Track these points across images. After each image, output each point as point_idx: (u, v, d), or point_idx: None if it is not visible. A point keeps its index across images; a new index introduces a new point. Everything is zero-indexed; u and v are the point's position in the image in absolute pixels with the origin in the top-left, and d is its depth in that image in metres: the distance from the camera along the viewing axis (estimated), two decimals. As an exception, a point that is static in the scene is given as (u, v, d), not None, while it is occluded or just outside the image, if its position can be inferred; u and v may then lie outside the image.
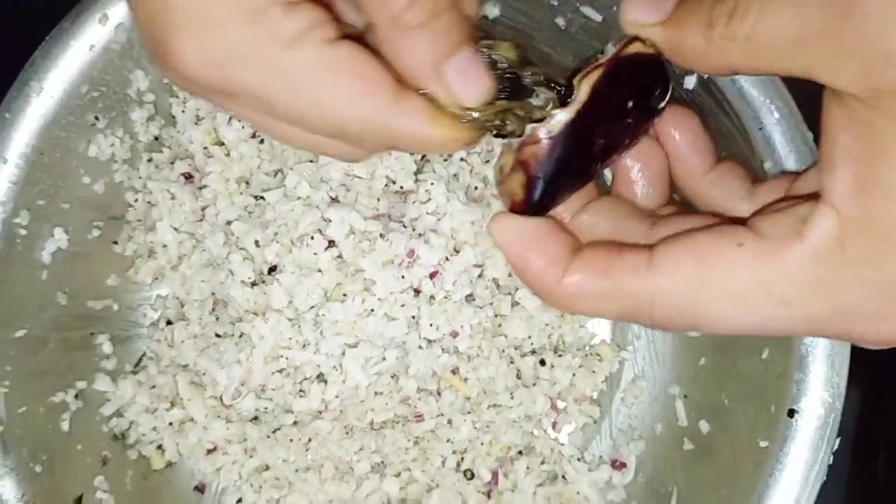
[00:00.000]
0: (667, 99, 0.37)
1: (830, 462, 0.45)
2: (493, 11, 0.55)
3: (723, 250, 0.32)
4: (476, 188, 0.53)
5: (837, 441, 0.44)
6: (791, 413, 0.45)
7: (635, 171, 0.39)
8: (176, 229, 0.55)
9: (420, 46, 0.32)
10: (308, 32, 0.31)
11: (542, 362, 0.55)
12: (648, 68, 0.35)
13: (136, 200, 0.56)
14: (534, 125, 0.34)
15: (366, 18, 0.33)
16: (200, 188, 0.55)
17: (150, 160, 0.56)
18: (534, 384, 0.55)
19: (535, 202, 0.35)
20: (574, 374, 0.55)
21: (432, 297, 0.50)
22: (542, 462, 0.56)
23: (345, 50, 0.32)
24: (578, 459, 0.56)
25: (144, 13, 0.32)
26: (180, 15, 0.31)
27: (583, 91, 0.34)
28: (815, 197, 0.32)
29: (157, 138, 0.56)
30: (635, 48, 0.35)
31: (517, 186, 0.35)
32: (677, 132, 0.38)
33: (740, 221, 0.34)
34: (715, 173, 0.38)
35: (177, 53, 0.31)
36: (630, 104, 0.36)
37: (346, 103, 0.32)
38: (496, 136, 0.34)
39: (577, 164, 0.35)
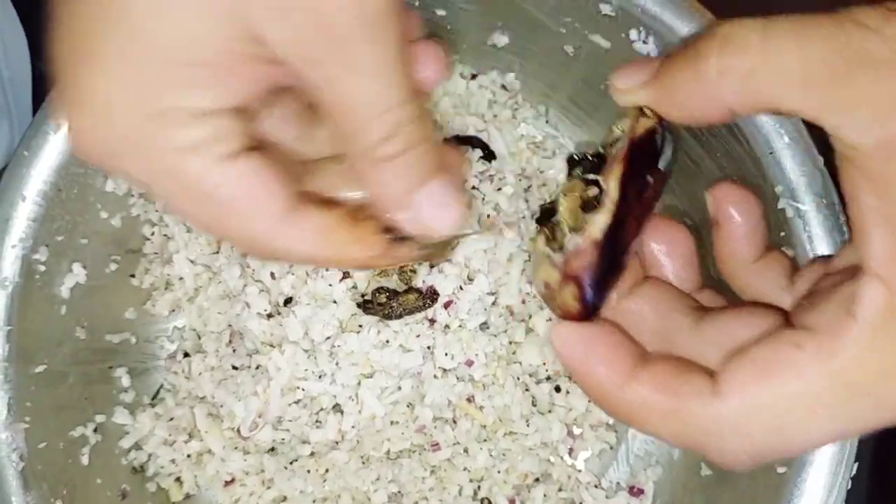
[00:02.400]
0: (674, 156, 0.36)
1: (849, 487, 0.44)
2: (502, 40, 0.56)
3: (784, 359, 0.29)
4: (488, 216, 0.53)
5: (856, 466, 0.44)
6: (808, 438, 0.44)
7: (663, 255, 0.37)
8: (192, 262, 0.56)
9: (392, 177, 0.32)
10: (205, 145, 0.31)
11: (558, 389, 0.55)
12: (655, 136, 0.35)
13: (153, 234, 0.57)
14: (573, 236, 0.33)
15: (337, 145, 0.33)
16: (216, 221, 0.55)
17: (165, 194, 0.57)
18: (549, 411, 0.55)
19: (590, 311, 0.33)
20: (589, 400, 0.55)
21: (447, 326, 0.50)
22: (560, 489, 0.56)
23: (241, 166, 0.31)
24: (596, 486, 0.56)
25: (59, 75, 0.31)
26: (86, 94, 0.30)
27: (612, 189, 0.33)
28: (855, 271, 0.30)
29: (172, 172, 0.57)
30: (643, 125, 0.34)
31: (570, 299, 0.33)
32: (740, 217, 0.35)
33: (779, 310, 0.33)
34: (761, 263, 0.36)
35: (73, 129, 0.31)
36: (648, 178, 0.35)
37: (231, 221, 0.32)
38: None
39: (619, 257, 0.34)
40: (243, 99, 0.31)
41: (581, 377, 0.33)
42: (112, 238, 0.55)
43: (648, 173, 0.34)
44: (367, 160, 0.32)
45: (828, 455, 0.44)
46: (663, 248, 0.37)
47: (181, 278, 0.56)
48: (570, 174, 0.36)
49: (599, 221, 0.32)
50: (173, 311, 0.58)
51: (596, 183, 0.34)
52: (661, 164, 0.35)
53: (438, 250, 0.37)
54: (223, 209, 0.31)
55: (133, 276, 0.57)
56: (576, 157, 0.36)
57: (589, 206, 0.33)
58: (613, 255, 0.33)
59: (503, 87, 0.59)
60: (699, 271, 0.37)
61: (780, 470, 0.45)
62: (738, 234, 0.35)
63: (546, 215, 0.36)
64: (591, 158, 0.35)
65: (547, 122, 0.60)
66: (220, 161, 0.31)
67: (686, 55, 0.30)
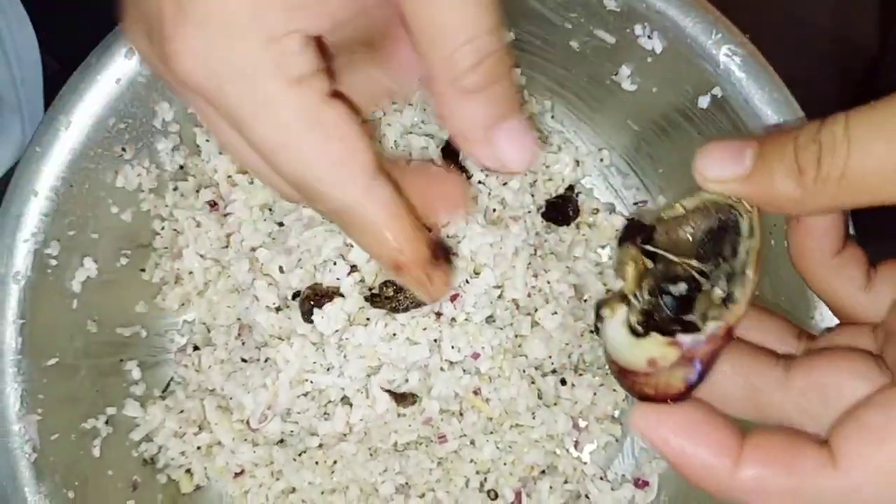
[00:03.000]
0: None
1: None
2: (508, 36, 0.56)
3: None
4: (494, 210, 0.54)
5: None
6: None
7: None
8: (202, 256, 0.56)
9: (476, 109, 0.32)
10: (313, 78, 0.31)
11: (563, 382, 0.55)
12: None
13: (163, 228, 0.57)
14: (714, 323, 0.31)
15: (424, 68, 0.33)
16: (225, 215, 0.56)
17: (175, 189, 0.57)
18: (555, 404, 0.55)
19: (689, 394, 0.32)
20: (595, 393, 0.56)
21: (453, 319, 0.51)
22: (566, 481, 0.57)
23: (339, 111, 0.32)
24: (601, 478, 0.56)
25: None
26: (198, 10, 0.30)
27: (751, 277, 0.32)
28: None
29: (182, 167, 0.57)
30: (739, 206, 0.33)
31: (677, 381, 0.31)
32: None
33: (853, 315, 0.34)
34: (840, 259, 0.35)
35: (177, 48, 0.31)
36: None
37: (321, 164, 0.32)
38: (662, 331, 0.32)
39: None
40: (338, 21, 0.32)
41: (686, 465, 0.31)
42: (122, 233, 0.56)
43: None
44: (453, 90, 0.31)
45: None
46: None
47: (191, 273, 0.57)
48: (627, 240, 0.35)
49: (739, 309, 0.31)
50: (183, 304, 0.59)
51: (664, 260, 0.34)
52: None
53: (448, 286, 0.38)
54: (318, 152, 0.32)
55: (143, 270, 0.58)
56: (635, 219, 0.36)
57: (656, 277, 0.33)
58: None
59: (509, 82, 0.59)
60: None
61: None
62: (819, 227, 0.34)
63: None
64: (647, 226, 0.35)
65: (553, 117, 0.60)
66: (327, 99, 0.31)
67: (787, 166, 0.30)
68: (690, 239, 0.34)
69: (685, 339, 0.31)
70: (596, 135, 0.59)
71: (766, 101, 0.47)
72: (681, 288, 0.34)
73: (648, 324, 0.33)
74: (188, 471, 0.56)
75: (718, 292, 0.33)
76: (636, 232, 0.35)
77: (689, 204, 0.34)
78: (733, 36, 0.48)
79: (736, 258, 0.33)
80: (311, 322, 0.49)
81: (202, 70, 0.31)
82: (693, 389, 0.32)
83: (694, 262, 0.34)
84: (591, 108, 0.58)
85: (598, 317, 0.34)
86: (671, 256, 0.34)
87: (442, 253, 0.37)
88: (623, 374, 0.33)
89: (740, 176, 0.31)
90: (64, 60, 0.53)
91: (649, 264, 0.34)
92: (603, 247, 0.59)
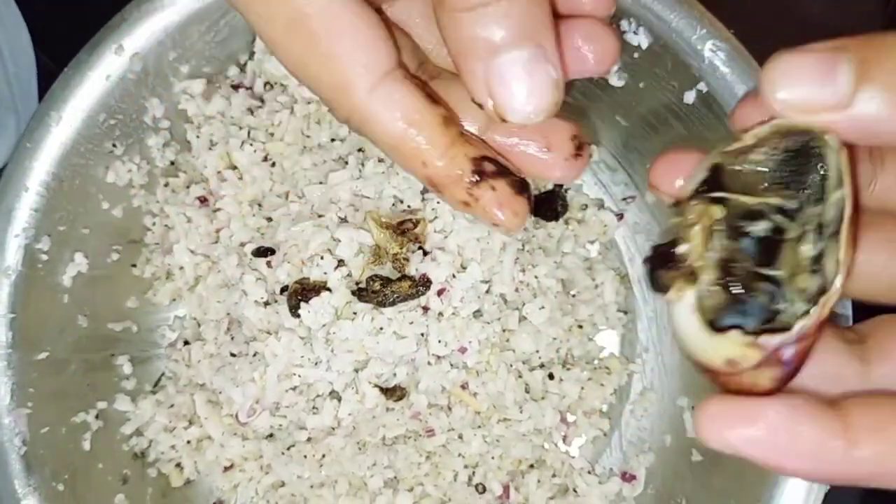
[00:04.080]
0: None
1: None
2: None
3: None
4: (482, 206, 0.54)
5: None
6: (795, 422, 0.45)
7: None
8: (192, 251, 0.57)
9: (472, 32, 0.27)
10: None
11: (551, 376, 0.56)
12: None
13: (154, 224, 0.58)
14: (803, 321, 0.27)
15: None
16: (215, 211, 0.56)
17: (166, 185, 0.58)
18: (542, 398, 0.56)
19: (782, 388, 0.28)
20: (583, 388, 0.56)
21: (440, 313, 0.51)
22: (553, 475, 0.57)
23: (364, 4, 0.29)
24: (589, 472, 0.57)
25: None
26: None
27: (844, 260, 0.27)
28: None
29: (173, 163, 0.58)
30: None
31: (765, 380, 0.28)
32: None
33: None
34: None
35: None
36: None
37: (335, 60, 0.29)
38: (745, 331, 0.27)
39: None
40: None
41: (787, 461, 0.27)
42: (113, 228, 0.56)
43: None
44: (446, 11, 0.27)
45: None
46: None
47: (181, 268, 0.57)
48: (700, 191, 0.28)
49: (831, 300, 0.27)
50: (174, 300, 0.59)
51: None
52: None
53: (518, 220, 0.32)
54: (335, 42, 0.29)
55: (134, 265, 0.58)
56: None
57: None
58: None
59: (498, 78, 0.59)
60: None
61: (767, 454, 0.46)
62: None
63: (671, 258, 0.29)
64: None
65: (542, 113, 0.60)
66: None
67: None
68: (764, 180, 0.28)
69: (770, 341, 0.27)
70: (585, 130, 0.59)
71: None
72: (762, 227, 0.28)
73: (725, 310, 0.28)
74: (178, 465, 0.57)
75: (808, 249, 0.27)
76: (713, 180, 0.28)
77: (757, 134, 0.27)
78: (718, 31, 0.48)
79: (824, 203, 0.27)
80: (298, 316, 0.49)
81: None
82: (784, 386, 0.28)
83: (774, 199, 0.28)
84: (581, 103, 0.58)
85: (655, 282, 0.29)
86: (747, 199, 0.28)
87: (496, 170, 0.31)
88: (699, 366, 0.29)
89: (833, 102, 0.25)
90: (58, 58, 0.54)
91: (719, 213, 0.28)
92: (592, 242, 0.59)
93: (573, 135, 0.33)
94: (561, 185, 0.59)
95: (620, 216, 0.59)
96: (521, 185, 0.32)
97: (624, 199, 0.59)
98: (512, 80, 0.27)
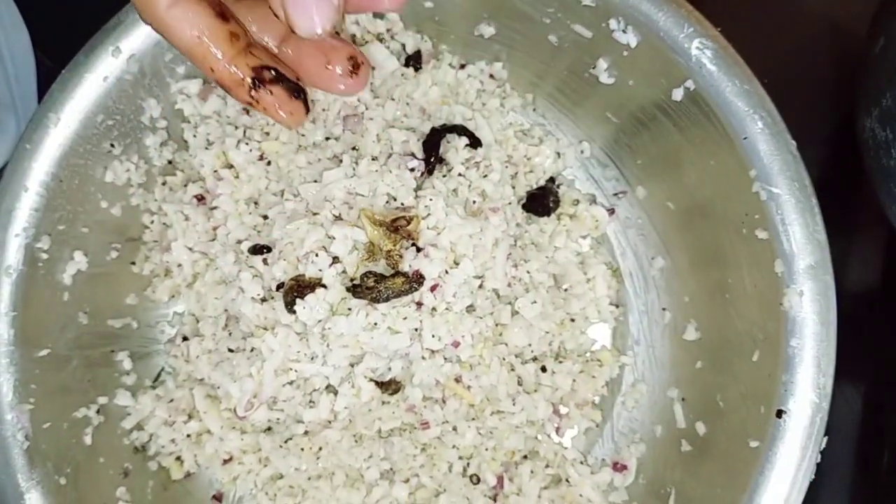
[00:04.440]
0: None
1: (819, 461, 0.46)
2: (488, 31, 0.57)
3: None
4: (474, 202, 0.55)
5: (825, 440, 0.46)
6: (779, 414, 0.46)
7: None
8: (190, 249, 0.58)
9: None
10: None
11: (544, 369, 0.57)
12: None
13: (153, 222, 0.59)
14: None
15: None
16: (212, 209, 0.57)
17: (164, 183, 0.59)
18: (535, 390, 0.57)
19: None
20: (574, 380, 0.57)
21: (434, 308, 0.52)
22: (547, 466, 0.58)
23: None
24: (581, 463, 0.58)
25: None
26: None
27: None
28: None
29: (170, 162, 0.59)
30: None
31: None
32: None
33: None
34: None
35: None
36: None
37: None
38: None
39: None
40: None
41: None
42: (112, 227, 0.57)
43: None
44: None
45: (798, 430, 0.46)
46: None
47: (179, 265, 0.58)
48: None
49: None
50: (173, 296, 0.60)
51: None
52: None
53: (296, 119, 0.40)
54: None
55: (134, 263, 0.59)
56: None
57: None
58: None
59: (491, 76, 0.60)
60: None
61: (753, 444, 0.47)
62: None
63: None
64: None
65: (535, 110, 0.61)
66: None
67: None
68: None
69: None
70: (577, 127, 0.60)
71: (737, 93, 0.48)
72: None
73: None
74: (178, 458, 0.58)
75: None
76: None
77: None
78: (705, 29, 0.49)
79: None
80: (294, 313, 0.50)
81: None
82: None
83: None
84: (572, 101, 0.59)
85: None
86: None
87: (274, 77, 0.39)
88: None
89: None
90: (57, 59, 0.54)
91: None
92: (584, 237, 0.60)
93: (350, 55, 0.41)
94: (553, 181, 0.60)
95: (612, 211, 0.60)
96: (296, 90, 0.40)
97: (615, 194, 0.60)
98: None
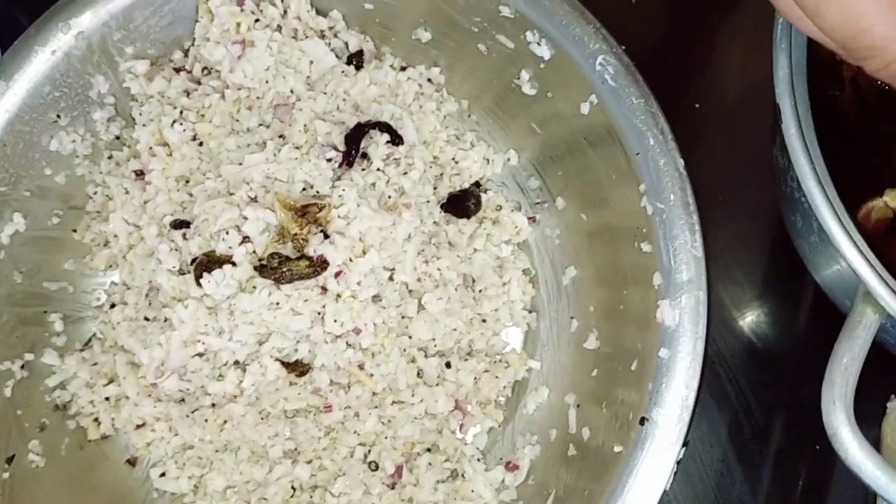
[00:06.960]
0: None
1: (675, 471, 0.47)
2: (425, 35, 0.60)
3: None
4: (390, 197, 0.57)
5: (683, 451, 0.47)
6: (642, 421, 0.47)
7: None
8: (126, 221, 0.60)
9: None
10: None
11: (448, 365, 0.58)
12: None
13: (96, 193, 0.62)
14: None
15: None
16: (147, 184, 0.60)
17: (110, 157, 0.61)
18: (437, 384, 0.58)
19: None
20: (477, 379, 0.59)
21: (338, 295, 0.54)
22: (447, 460, 0.59)
23: None
24: (479, 460, 0.59)
25: None
26: None
27: None
28: None
29: (118, 138, 0.62)
30: None
31: None
32: None
33: None
34: None
35: None
36: None
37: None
38: None
39: None
40: None
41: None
42: (57, 194, 0.60)
43: None
44: None
45: (658, 438, 0.47)
46: None
47: (116, 236, 0.61)
48: None
49: None
50: (111, 266, 0.62)
51: None
52: None
53: None
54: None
55: (75, 230, 0.62)
56: None
57: None
58: None
59: (429, 80, 0.62)
60: None
61: (617, 449, 0.48)
62: None
63: None
64: None
65: (470, 116, 0.63)
66: None
67: None
68: None
69: None
70: (507, 136, 0.62)
71: (633, 110, 0.50)
72: None
73: None
74: (96, 419, 0.60)
75: None
76: None
77: None
78: (609, 46, 0.51)
79: None
80: (201, 286, 0.53)
81: None
82: None
83: None
84: (502, 109, 0.61)
85: None
86: None
87: None
88: None
89: None
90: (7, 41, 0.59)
91: None
92: (506, 242, 0.62)
93: None
94: (477, 185, 0.62)
95: (533, 219, 0.61)
96: None
97: (538, 203, 0.61)
98: None
